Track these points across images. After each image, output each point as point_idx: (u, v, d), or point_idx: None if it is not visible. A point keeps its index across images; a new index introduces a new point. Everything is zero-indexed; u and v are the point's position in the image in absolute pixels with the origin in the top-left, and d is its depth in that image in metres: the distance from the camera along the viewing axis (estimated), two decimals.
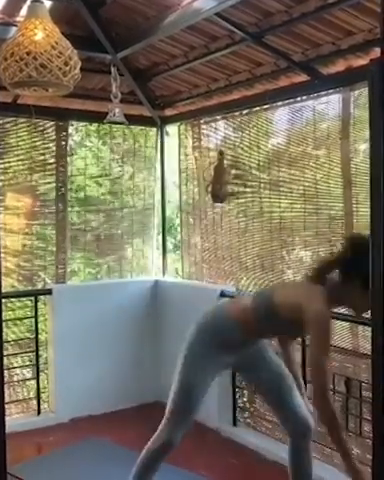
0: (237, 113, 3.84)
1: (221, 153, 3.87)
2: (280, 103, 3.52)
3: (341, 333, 3.20)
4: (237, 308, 2.41)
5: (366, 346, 3.01)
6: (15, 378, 3.98)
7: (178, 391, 2.41)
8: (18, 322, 4.03)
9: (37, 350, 3.92)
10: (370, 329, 1.29)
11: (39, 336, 3.96)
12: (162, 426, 2.45)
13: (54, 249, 4.14)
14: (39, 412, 3.91)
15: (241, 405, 3.85)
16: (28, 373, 4.06)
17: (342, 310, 3.17)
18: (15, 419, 3.85)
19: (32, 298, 3.96)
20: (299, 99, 3.37)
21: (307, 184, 3.37)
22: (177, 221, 4.92)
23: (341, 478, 3.09)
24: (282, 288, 2.54)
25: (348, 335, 3.17)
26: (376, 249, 1.17)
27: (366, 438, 2.97)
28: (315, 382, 2.12)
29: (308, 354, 2.34)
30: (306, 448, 2.47)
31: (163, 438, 2.43)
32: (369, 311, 1.82)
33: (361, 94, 3.00)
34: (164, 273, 4.57)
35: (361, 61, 2.86)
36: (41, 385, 3.94)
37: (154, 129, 4.52)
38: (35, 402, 3.93)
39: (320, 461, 3.24)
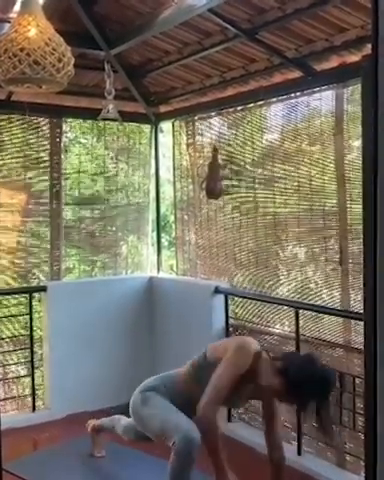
0: (231, 110, 3.84)
1: (215, 149, 3.86)
2: (274, 99, 3.52)
3: (334, 328, 3.22)
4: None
5: (359, 341, 3.02)
6: (10, 375, 3.98)
7: (159, 421, 2.55)
8: (13, 319, 4.02)
9: (32, 347, 3.92)
10: (363, 324, 1.30)
11: (34, 333, 3.97)
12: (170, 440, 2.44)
13: (48, 246, 4.14)
14: (34, 409, 3.92)
15: None
16: (23, 370, 4.06)
17: (334, 305, 3.20)
18: (10, 416, 3.86)
19: (27, 295, 3.96)
20: (293, 95, 3.38)
21: (301, 180, 3.38)
22: (172, 218, 4.93)
23: (335, 472, 3.13)
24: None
25: (341, 330, 3.19)
26: (369, 244, 1.17)
27: (359, 432, 2.99)
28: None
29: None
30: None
31: (180, 438, 2.40)
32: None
33: (354, 90, 3.01)
34: (159, 270, 4.57)
35: (354, 57, 2.87)
36: (36, 382, 3.95)
37: (148, 126, 4.52)
38: (30, 399, 3.93)
39: (313, 456, 3.27)
